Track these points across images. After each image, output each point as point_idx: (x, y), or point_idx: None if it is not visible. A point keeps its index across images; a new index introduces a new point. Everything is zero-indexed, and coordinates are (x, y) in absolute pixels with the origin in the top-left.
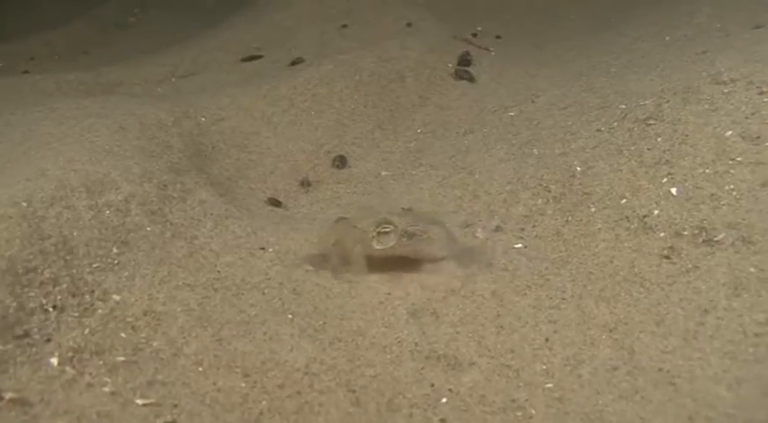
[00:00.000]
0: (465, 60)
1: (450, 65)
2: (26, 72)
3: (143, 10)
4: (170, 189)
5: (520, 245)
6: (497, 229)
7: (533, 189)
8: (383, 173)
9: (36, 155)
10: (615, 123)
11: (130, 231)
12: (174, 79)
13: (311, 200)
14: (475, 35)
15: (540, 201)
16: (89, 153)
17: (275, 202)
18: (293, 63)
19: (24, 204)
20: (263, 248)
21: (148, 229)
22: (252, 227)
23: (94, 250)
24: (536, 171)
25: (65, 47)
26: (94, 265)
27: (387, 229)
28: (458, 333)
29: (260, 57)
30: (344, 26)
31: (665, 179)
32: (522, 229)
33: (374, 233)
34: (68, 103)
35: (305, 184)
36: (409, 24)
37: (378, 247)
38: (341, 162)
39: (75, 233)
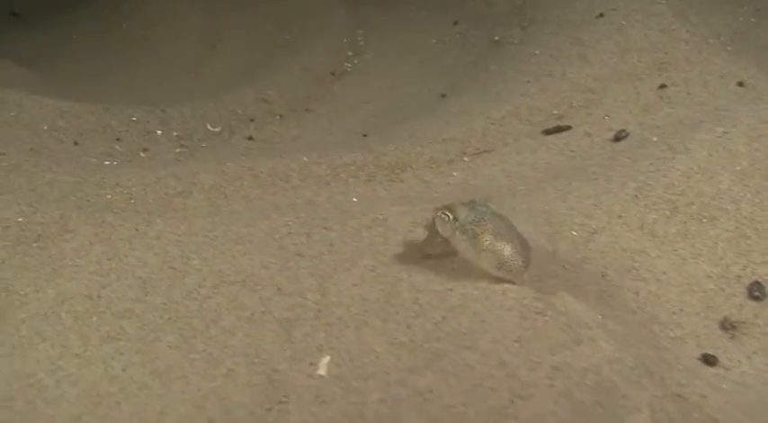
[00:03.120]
0: None
1: None
2: (251, 138)
3: (357, 54)
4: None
5: None
6: None
7: None
8: None
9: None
10: None
11: None
12: (466, 158)
13: (746, 352)
14: None
15: None
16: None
17: (710, 360)
18: (617, 138)
19: None
20: None
21: None
22: None
23: None
24: None
25: (283, 104)
26: None
27: None
28: None
29: (567, 128)
30: (662, 86)
31: None
32: None
33: None
34: (391, 213)
35: (727, 326)
36: (741, 83)
37: None
38: (760, 291)
39: None
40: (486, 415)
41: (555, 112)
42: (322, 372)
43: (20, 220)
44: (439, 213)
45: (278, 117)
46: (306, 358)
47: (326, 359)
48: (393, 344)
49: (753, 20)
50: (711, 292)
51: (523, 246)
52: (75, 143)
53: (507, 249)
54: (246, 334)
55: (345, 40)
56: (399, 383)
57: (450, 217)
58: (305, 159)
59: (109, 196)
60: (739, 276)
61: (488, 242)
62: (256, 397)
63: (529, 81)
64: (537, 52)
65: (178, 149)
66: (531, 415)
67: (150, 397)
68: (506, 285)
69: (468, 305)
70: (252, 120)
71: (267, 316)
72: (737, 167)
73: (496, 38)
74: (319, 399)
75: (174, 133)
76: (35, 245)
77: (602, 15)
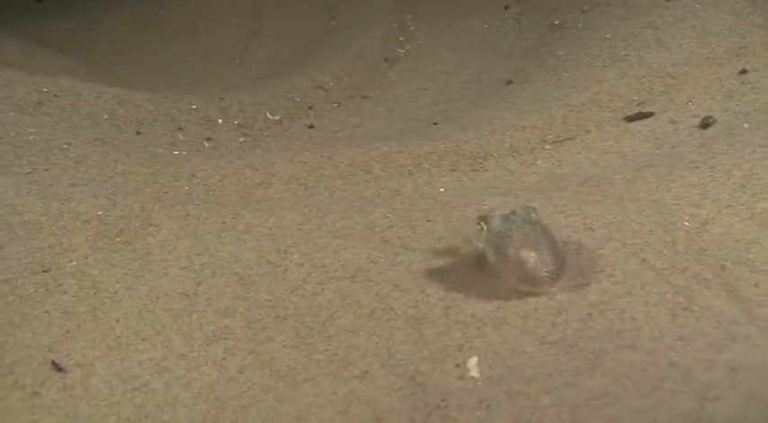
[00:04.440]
0: None
1: None
2: (311, 127)
3: (408, 40)
4: None
5: None
6: None
7: None
8: None
9: None
10: None
11: None
12: (547, 147)
13: None
14: None
15: None
16: None
17: None
18: (704, 124)
19: None
20: None
21: None
22: None
23: None
24: None
25: (339, 90)
26: None
27: None
28: None
29: (650, 114)
30: (743, 71)
31: None
32: None
33: None
34: (496, 204)
35: None
36: None
37: None
38: None
39: None
40: (681, 419)
41: (635, 98)
42: (474, 373)
43: (99, 213)
44: (475, 223)
45: (336, 105)
46: (448, 359)
47: (475, 360)
48: (544, 343)
49: None
50: None
51: (556, 256)
52: (138, 132)
53: (531, 260)
54: (371, 333)
55: (395, 26)
56: (568, 386)
57: (484, 227)
58: (385, 149)
59: (186, 188)
60: None
61: (512, 254)
62: (407, 401)
63: (605, 66)
64: (608, 36)
65: (241, 139)
66: (727, 417)
67: (280, 401)
68: (644, 279)
69: (610, 301)
70: (310, 107)
71: (389, 313)
72: None
73: (556, 22)
74: (483, 403)
75: (235, 122)
76: (118, 239)
77: None
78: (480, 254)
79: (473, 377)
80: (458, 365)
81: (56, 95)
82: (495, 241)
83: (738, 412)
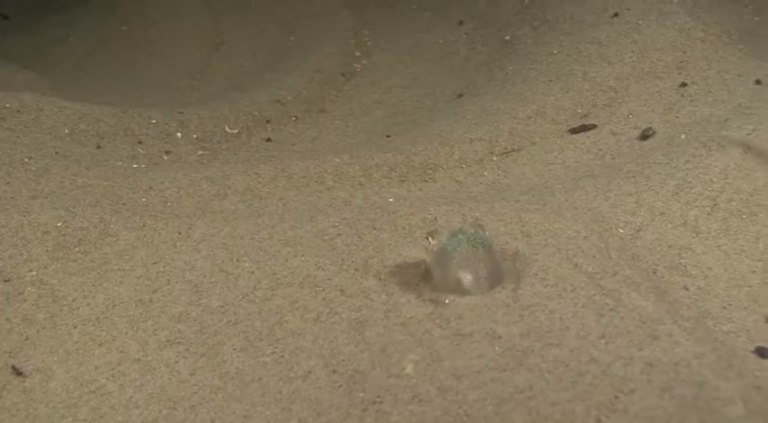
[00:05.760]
0: None
1: None
2: (269, 140)
3: (365, 55)
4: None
5: None
6: None
7: None
8: None
9: None
10: None
11: None
12: (495, 158)
13: None
14: None
15: None
16: None
17: (764, 353)
18: (644, 136)
19: None
20: None
21: None
22: None
23: None
24: None
25: (297, 104)
26: None
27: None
28: None
29: (593, 126)
30: (683, 85)
31: None
32: None
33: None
34: (440, 213)
35: None
36: (758, 82)
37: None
38: None
39: None
40: (596, 410)
41: (579, 110)
42: (409, 371)
43: (58, 224)
44: (423, 238)
45: (293, 118)
46: (386, 359)
47: (411, 358)
48: (476, 342)
49: (756, 18)
50: (756, 287)
51: (493, 276)
52: (98, 146)
53: (467, 282)
54: (316, 336)
55: (352, 41)
56: (495, 381)
57: (431, 242)
58: (337, 160)
59: (144, 200)
60: None
61: (451, 272)
62: (346, 398)
63: (551, 81)
64: (555, 52)
65: (200, 152)
66: (639, 409)
67: (228, 400)
68: (575, 282)
69: (541, 303)
70: (268, 121)
71: (334, 317)
72: None
73: (507, 37)
74: (416, 398)
75: (194, 135)
76: (76, 249)
77: (616, 15)
78: (425, 265)
79: (408, 375)
80: (395, 364)
81: (18, 111)
82: (438, 257)
83: (651, 404)
